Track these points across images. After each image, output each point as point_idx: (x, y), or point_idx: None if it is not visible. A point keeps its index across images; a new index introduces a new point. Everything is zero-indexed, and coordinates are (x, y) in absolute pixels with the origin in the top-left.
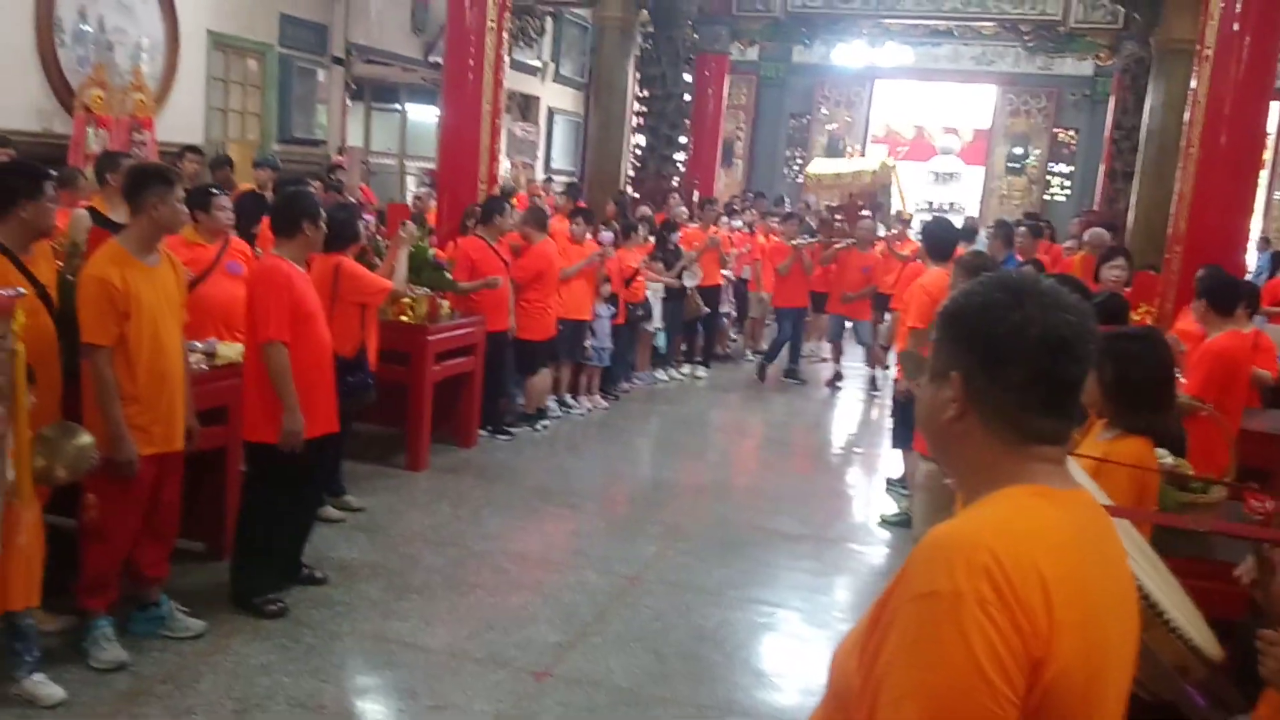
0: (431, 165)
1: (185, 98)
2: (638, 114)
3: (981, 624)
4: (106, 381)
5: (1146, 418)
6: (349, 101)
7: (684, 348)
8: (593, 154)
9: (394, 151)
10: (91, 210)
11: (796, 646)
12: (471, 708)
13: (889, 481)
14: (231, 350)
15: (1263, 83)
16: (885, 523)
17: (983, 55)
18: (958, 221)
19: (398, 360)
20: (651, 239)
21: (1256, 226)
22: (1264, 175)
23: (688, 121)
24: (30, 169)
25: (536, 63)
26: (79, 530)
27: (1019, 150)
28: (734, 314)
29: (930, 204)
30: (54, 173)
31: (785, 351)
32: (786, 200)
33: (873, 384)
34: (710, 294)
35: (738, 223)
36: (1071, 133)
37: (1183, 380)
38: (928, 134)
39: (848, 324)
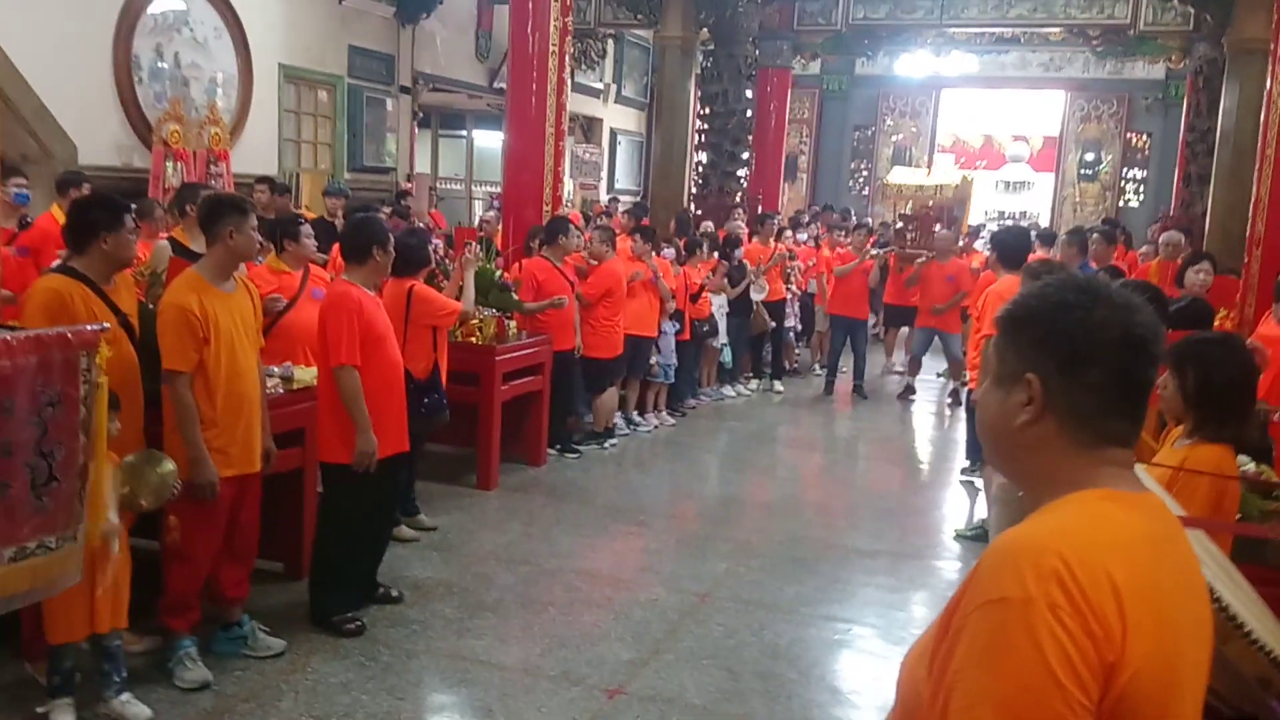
0: (497, 189)
1: (259, 130)
2: (700, 131)
3: (1053, 629)
4: (187, 406)
5: (1228, 424)
6: (417, 129)
7: (751, 363)
8: (655, 173)
9: (461, 176)
10: (173, 241)
11: (872, 663)
12: None
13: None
14: (307, 374)
15: None
16: (961, 537)
17: (1050, 61)
18: (1031, 229)
19: (467, 381)
20: (715, 255)
21: None
22: None
23: (750, 137)
24: (110, 202)
25: (599, 85)
26: (162, 552)
27: (1091, 156)
28: (799, 328)
29: (1001, 213)
30: (133, 205)
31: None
32: (853, 213)
33: (955, 397)
34: (775, 308)
35: (803, 236)
36: (1144, 137)
37: None
38: (996, 142)
39: (935, 338)
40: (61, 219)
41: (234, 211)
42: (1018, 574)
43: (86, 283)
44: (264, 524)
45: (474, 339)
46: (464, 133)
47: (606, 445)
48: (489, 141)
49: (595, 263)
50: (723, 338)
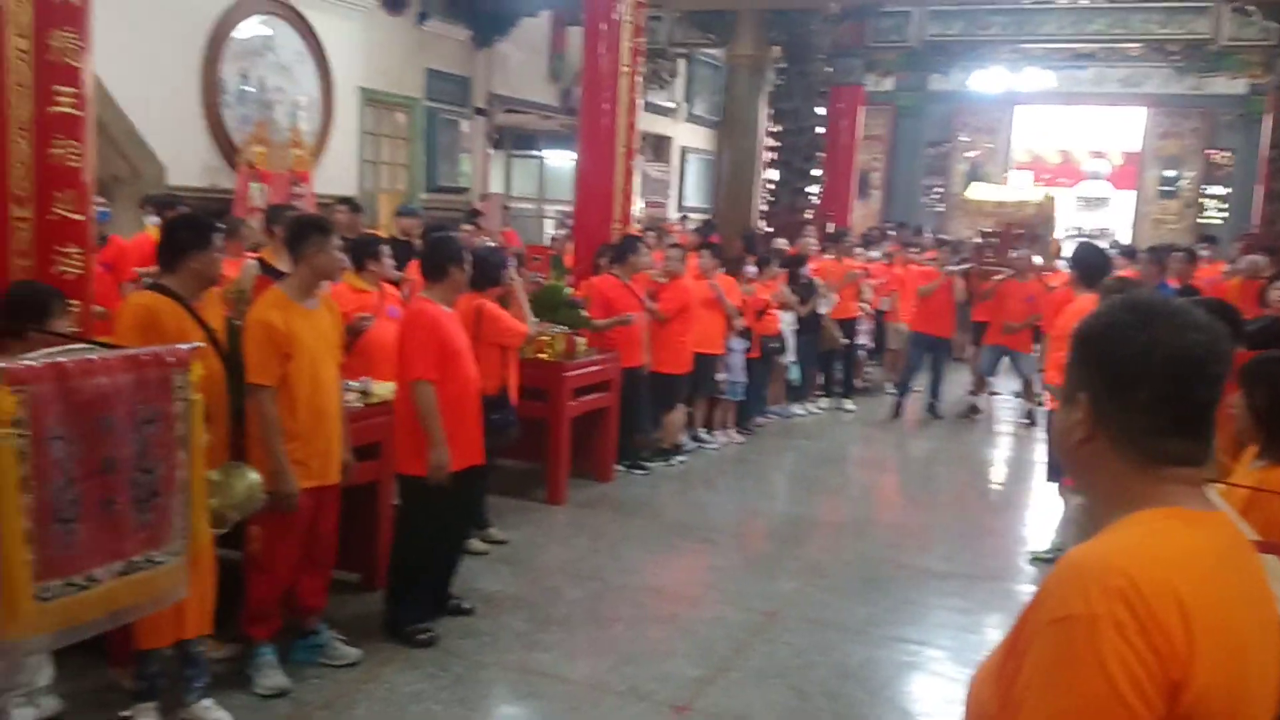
0: (568, 208)
1: (340, 151)
2: (770, 149)
3: (1118, 647)
4: (270, 419)
5: None
6: (490, 150)
7: (820, 381)
8: (725, 190)
9: (533, 196)
10: (260, 261)
11: (944, 686)
12: None
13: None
14: (384, 388)
15: None
16: (1037, 560)
17: (1129, 77)
18: (1108, 247)
19: (536, 396)
20: (784, 270)
21: None
22: None
23: (821, 154)
24: (199, 222)
25: (670, 104)
26: (243, 562)
27: (1171, 173)
28: (871, 345)
29: (1079, 230)
30: (220, 225)
31: (924, 384)
32: (925, 230)
33: (1029, 418)
34: (847, 326)
35: (875, 253)
36: (1226, 154)
37: None
38: (1074, 158)
39: (1005, 357)
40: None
41: (318, 232)
42: (1083, 592)
43: (176, 299)
44: (341, 535)
45: (543, 355)
46: (536, 153)
47: (674, 462)
48: (560, 161)
49: (666, 280)
50: (791, 355)
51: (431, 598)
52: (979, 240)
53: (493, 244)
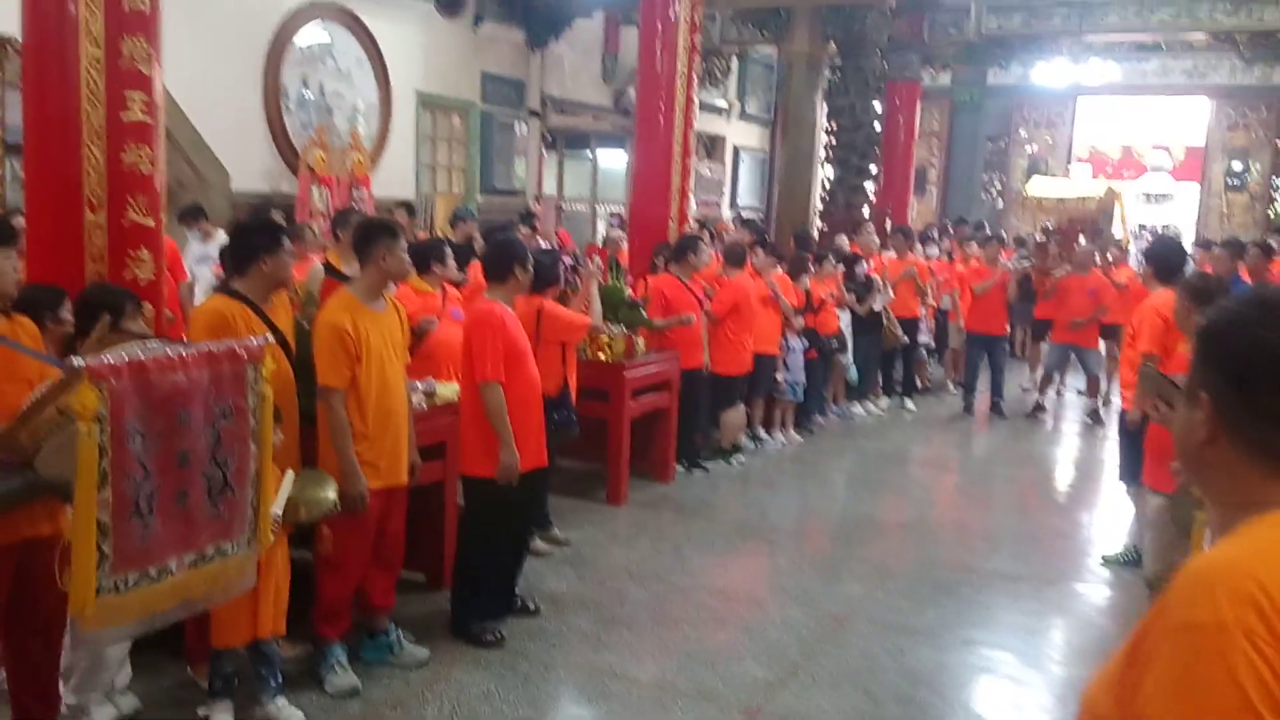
0: (620, 208)
1: (398, 155)
2: (826, 146)
3: (1249, 656)
4: (340, 421)
5: None
6: (544, 151)
7: (881, 381)
8: (781, 188)
9: (585, 196)
10: (326, 265)
11: (1016, 690)
12: None
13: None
14: (449, 390)
15: None
16: (1108, 563)
17: (1194, 68)
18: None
19: (597, 397)
20: (840, 267)
21: None
22: None
23: (878, 150)
24: (270, 226)
25: (722, 103)
26: (315, 562)
27: (1238, 166)
28: (932, 344)
29: (1142, 226)
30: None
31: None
32: (986, 225)
33: (1095, 416)
34: (908, 325)
35: (934, 250)
36: None
37: None
38: (1136, 152)
39: (1071, 354)
40: None
41: (386, 235)
42: (1212, 599)
43: (246, 303)
44: (407, 535)
45: (603, 355)
46: (588, 153)
47: (734, 462)
48: (612, 161)
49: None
50: (849, 355)
51: (497, 598)
52: (1040, 238)
53: (547, 246)
